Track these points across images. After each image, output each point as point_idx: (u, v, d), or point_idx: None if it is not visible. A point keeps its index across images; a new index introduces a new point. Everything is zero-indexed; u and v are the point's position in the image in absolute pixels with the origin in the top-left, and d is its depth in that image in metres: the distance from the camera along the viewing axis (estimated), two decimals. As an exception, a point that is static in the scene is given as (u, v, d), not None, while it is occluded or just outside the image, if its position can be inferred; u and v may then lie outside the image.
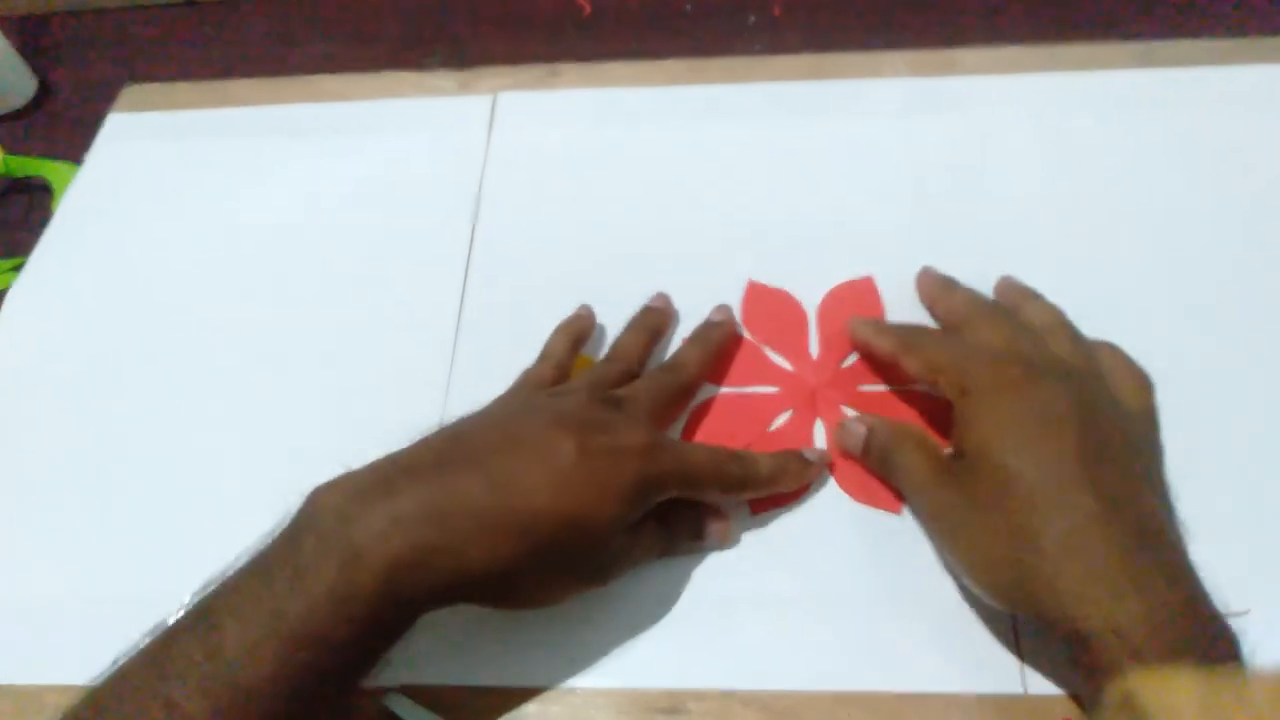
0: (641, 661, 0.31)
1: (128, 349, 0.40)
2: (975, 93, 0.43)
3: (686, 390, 0.35)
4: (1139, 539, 0.26)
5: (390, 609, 0.26)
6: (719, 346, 0.36)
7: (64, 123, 0.49)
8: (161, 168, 0.45)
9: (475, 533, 0.26)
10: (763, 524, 0.33)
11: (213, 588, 0.26)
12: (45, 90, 0.51)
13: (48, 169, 0.47)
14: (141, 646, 0.26)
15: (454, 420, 0.30)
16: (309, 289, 0.41)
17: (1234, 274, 0.37)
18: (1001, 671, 0.30)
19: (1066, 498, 0.27)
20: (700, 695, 0.30)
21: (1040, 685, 0.29)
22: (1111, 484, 0.27)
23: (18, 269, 0.43)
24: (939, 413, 0.34)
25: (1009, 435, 0.28)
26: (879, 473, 0.33)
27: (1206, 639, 0.25)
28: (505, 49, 0.48)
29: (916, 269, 0.37)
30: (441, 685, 0.31)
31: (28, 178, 0.47)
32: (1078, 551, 0.26)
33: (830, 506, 0.33)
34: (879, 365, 0.35)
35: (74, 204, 0.45)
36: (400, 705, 0.30)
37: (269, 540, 0.27)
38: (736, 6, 0.49)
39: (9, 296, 0.42)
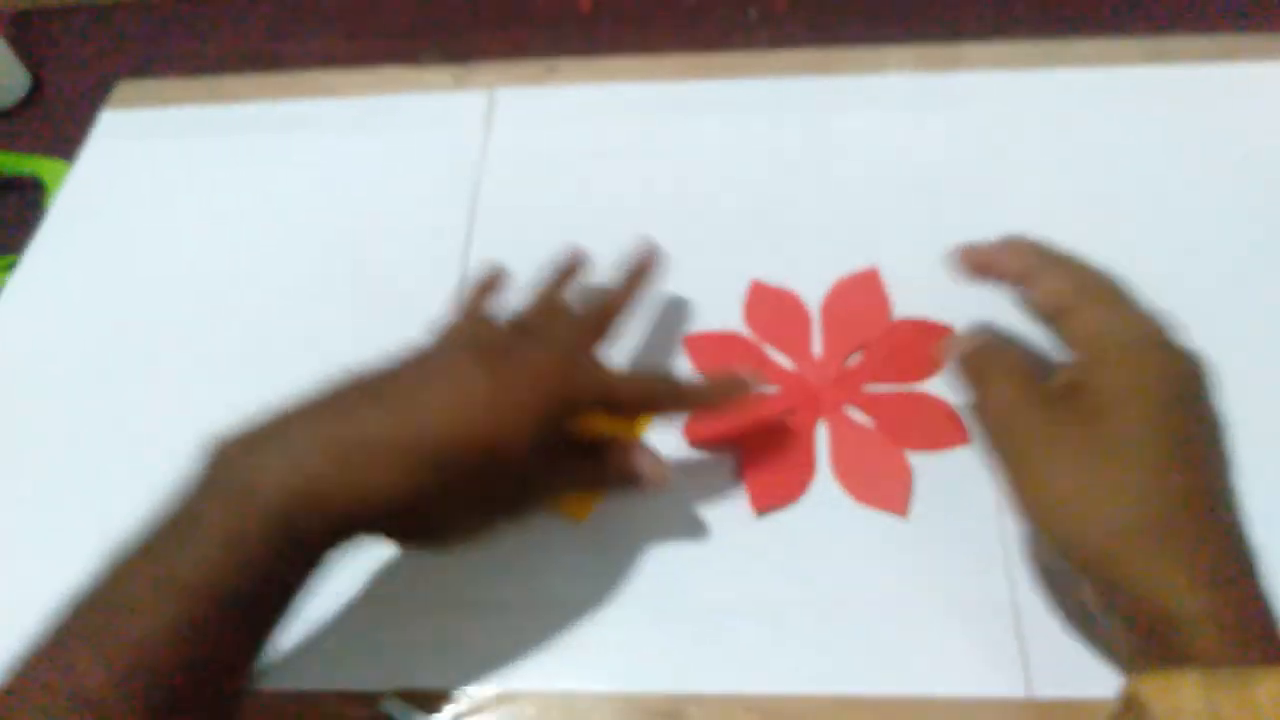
0: (642, 665, 0.30)
1: (122, 346, 0.40)
2: (982, 88, 0.43)
3: (607, 313, 0.33)
4: (1237, 529, 0.26)
5: (288, 550, 0.25)
6: (642, 268, 0.34)
7: (57, 119, 0.49)
8: (155, 164, 0.45)
9: (375, 463, 0.26)
10: (764, 526, 0.33)
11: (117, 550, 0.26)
12: (38, 86, 0.51)
13: (41, 166, 0.47)
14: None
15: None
16: (304, 286, 0.40)
17: (1243, 269, 0.37)
18: (1005, 675, 0.29)
19: (1188, 476, 0.26)
20: (701, 700, 0.30)
21: (1044, 689, 0.29)
22: (1217, 472, 0.27)
23: (11, 267, 0.43)
24: (942, 413, 0.34)
25: (1146, 395, 0.27)
26: (969, 387, 0.30)
27: (1276, 633, 0.25)
28: (503, 44, 0.48)
29: (923, 265, 0.37)
30: (439, 689, 0.31)
31: (20, 175, 0.47)
32: (1187, 531, 0.25)
33: (832, 508, 0.33)
34: (886, 360, 0.35)
35: (67, 201, 0.45)
36: (396, 708, 0.30)
37: (169, 496, 0.26)
38: (738, 0, 0.48)
39: (2, 294, 0.42)
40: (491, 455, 0.27)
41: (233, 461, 0.26)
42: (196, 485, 0.26)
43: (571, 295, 0.34)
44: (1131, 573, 0.25)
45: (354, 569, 0.33)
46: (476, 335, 0.30)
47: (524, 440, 0.27)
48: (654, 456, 0.30)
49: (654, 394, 0.30)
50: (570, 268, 0.36)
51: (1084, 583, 0.27)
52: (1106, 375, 0.28)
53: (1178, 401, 0.27)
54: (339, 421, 0.26)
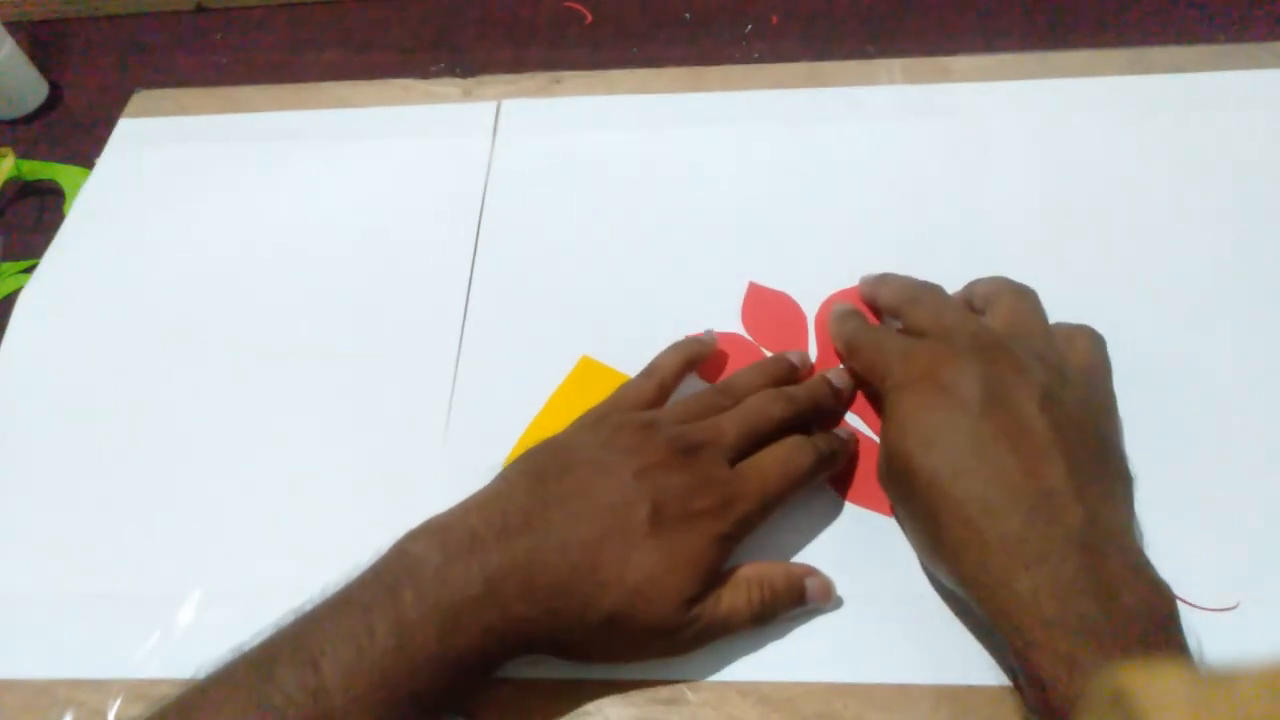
0: (642, 654, 0.31)
1: (138, 351, 0.40)
2: (969, 99, 0.43)
3: (779, 422, 0.32)
4: (1030, 515, 0.27)
5: (479, 667, 0.28)
6: (835, 401, 0.34)
7: (75, 127, 0.50)
8: (172, 172, 0.46)
9: (557, 604, 0.28)
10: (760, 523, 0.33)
11: (303, 620, 0.27)
12: (56, 95, 0.51)
13: (59, 173, 0.47)
14: (231, 667, 0.26)
15: (540, 448, 0.31)
16: (317, 293, 0.41)
17: (1226, 275, 0.37)
18: (992, 664, 0.30)
19: (959, 487, 0.28)
20: (698, 686, 0.31)
21: (1030, 677, 0.30)
22: (1007, 461, 0.28)
23: (29, 271, 0.43)
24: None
25: (910, 434, 0.29)
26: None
27: (1100, 605, 0.25)
28: (509, 57, 0.49)
29: (912, 273, 0.38)
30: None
31: (40, 181, 0.48)
32: (972, 538, 0.27)
33: (824, 506, 0.34)
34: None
35: (85, 207, 0.45)
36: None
37: (360, 580, 0.28)
38: (735, 15, 0.50)
39: (21, 299, 0.42)
40: (646, 601, 0.28)
41: (434, 572, 0.27)
42: (397, 584, 0.27)
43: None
44: (963, 588, 0.28)
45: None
46: (649, 460, 0.29)
47: (679, 589, 0.28)
48: (815, 575, 0.31)
49: (802, 475, 0.31)
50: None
51: None
52: (887, 428, 0.31)
53: (946, 418, 0.29)
54: (527, 554, 0.28)
